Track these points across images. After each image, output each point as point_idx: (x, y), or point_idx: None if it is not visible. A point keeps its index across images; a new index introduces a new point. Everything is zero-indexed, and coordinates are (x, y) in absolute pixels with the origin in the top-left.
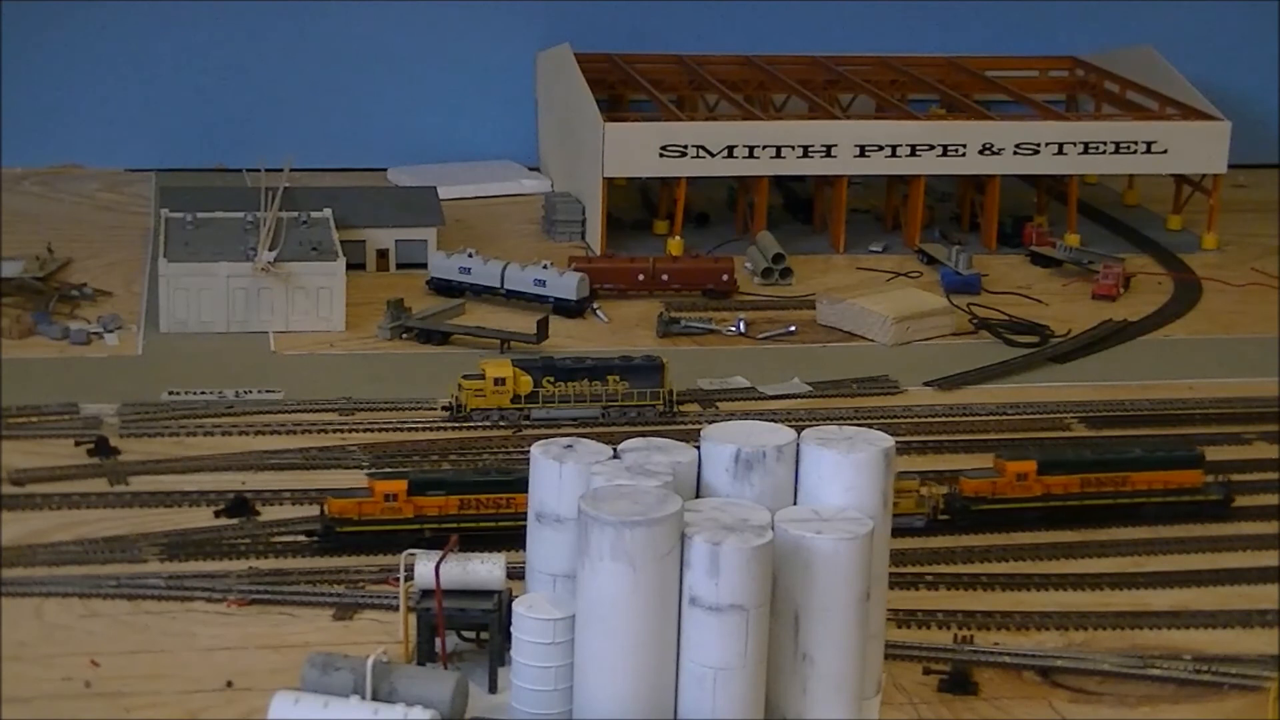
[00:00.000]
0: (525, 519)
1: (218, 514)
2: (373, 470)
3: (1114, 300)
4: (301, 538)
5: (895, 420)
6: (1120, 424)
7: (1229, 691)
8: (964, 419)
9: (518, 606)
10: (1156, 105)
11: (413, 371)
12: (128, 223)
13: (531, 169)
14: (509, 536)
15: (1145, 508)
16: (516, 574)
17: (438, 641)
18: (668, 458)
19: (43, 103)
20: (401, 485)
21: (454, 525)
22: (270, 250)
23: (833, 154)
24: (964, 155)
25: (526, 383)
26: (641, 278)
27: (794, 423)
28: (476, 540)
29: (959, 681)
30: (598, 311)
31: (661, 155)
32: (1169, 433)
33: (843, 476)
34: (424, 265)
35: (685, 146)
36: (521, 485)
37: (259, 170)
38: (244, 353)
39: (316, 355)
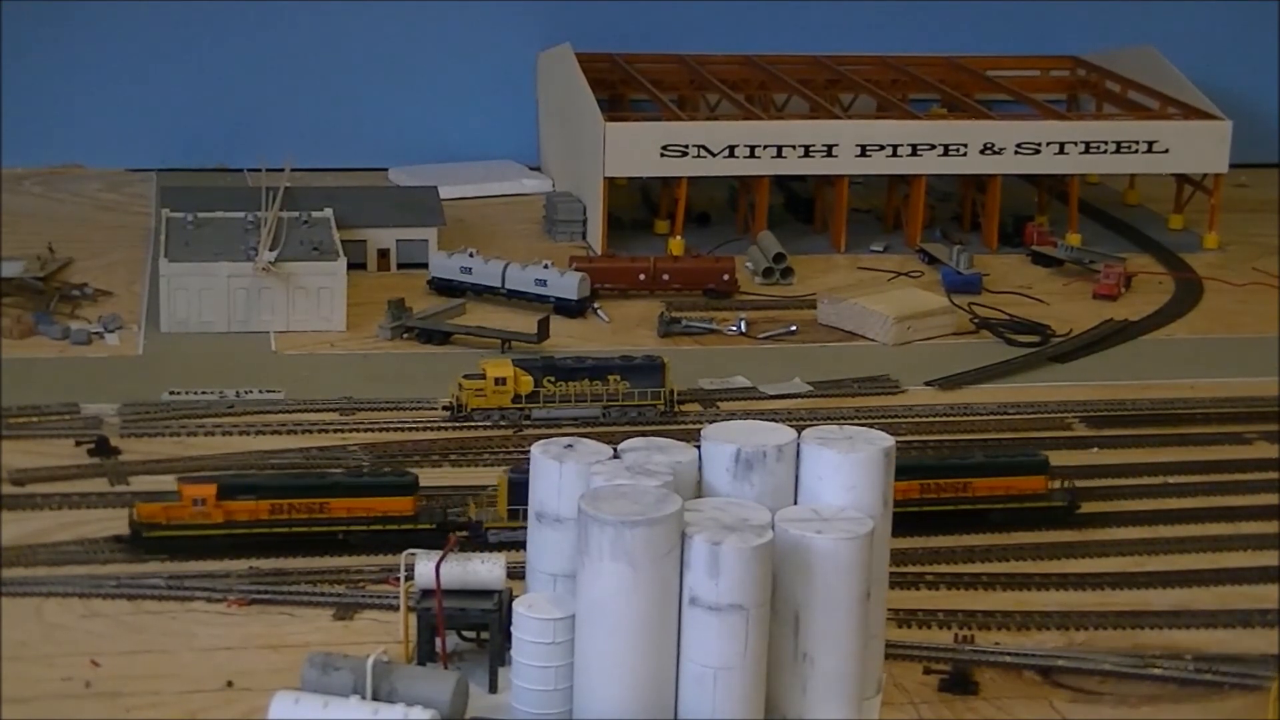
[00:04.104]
0: (339, 525)
1: None
2: (183, 475)
3: (1115, 300)
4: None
5: (896, 420)
6: (1120, 424)
7: (1230, 691)
8: (965, 419)
9: (518, 606)
10: (1157, 105)
11: (413, 371)
12: (129, 223)
13: (532, 169)
14: (324, 542)
15: (989, 514)
16: (516, 574)
17: (438, 641)
18: (668, 457)
19: (44, 103)
20: (210, 490)
21: (265, 530)
22: (271, 250)
23: (834, 154)
24: (965, 155)
25: (527, 382)
26: (642, 277)
27: (794, 422)
28: (291, 545)
29: (959, 681)
30: (598, 311)
31: (662, 155)
32: (1173, 432)
33: (843, 476)
34: (425, 265)
35: (686, 146)
36: (335, 490)
37: (260, 170)
38: (244, 353)
39: (317, 355)
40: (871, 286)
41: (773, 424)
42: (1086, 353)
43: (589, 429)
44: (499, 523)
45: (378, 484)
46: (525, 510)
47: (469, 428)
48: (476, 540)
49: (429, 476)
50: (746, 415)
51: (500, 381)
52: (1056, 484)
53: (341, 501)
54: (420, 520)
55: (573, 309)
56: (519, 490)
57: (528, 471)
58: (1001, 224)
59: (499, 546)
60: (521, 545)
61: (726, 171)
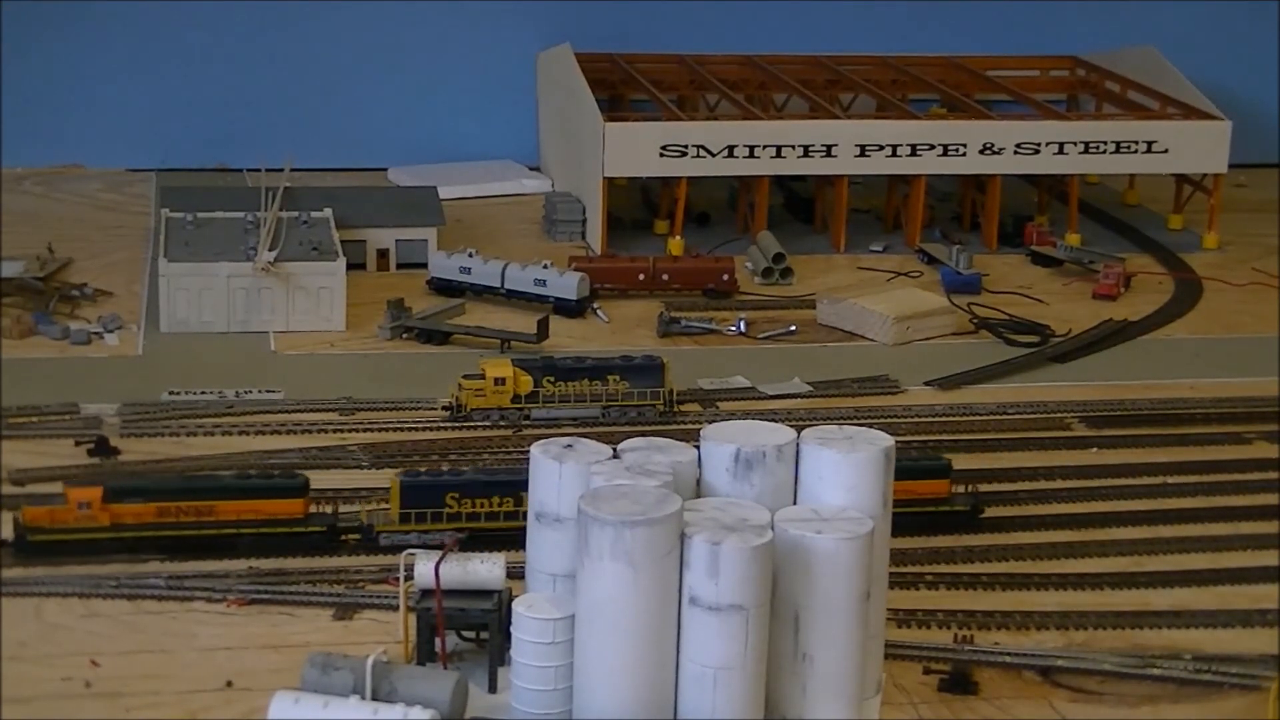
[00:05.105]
0: (228, 527)
1: None
2: (69, 478)
3: (1114, 300)
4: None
5: (895, 420)
6: (1120, 424)
7: (1229, 691)
8: (964, 419)
9: (518, 606)
10: (1157, 105)
11: (413, 371)
12: (128, 223)
13: (532, 169)
14: (212, 544)
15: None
16: (516, 574)
17: (438, 641)
18: (668, 457)
19: (44, 103)
20: (96, 492)
21: (152, 534)
22: (271, 250)
23: (833, 153)
24: (965, 155)
25: (526, 382)
26: (642, 277)
27: (794, 422)
28: (181, 549)
29: (959, 681)
30: (598, 311)
31: (662, 155)
32: (1173, 432)
33: (843, 476)
34: (424, 265)
35: (686, 146)
36: (224, 492)
37: (259, 170)
38: (244, 353)
39: (317, 355)
40: (871, 286)
41: (772, 424)
42: (1086, 353)
43: (589, 429)
44: (390, 526)
45: (267, 486)
46: (416, 514)
47: (469, 428)
48: (367, 543)
49: None
50: (746, 415)
51: (500, 381)
52: (960, 488)
53: (230, 504)
54: (311, 523)
55: (572, 309)
56: (411, 494)
57: (419, 475)
58: (1001, 224)
59: (390, 550)
60: (414, 547)
61: (726, 171)
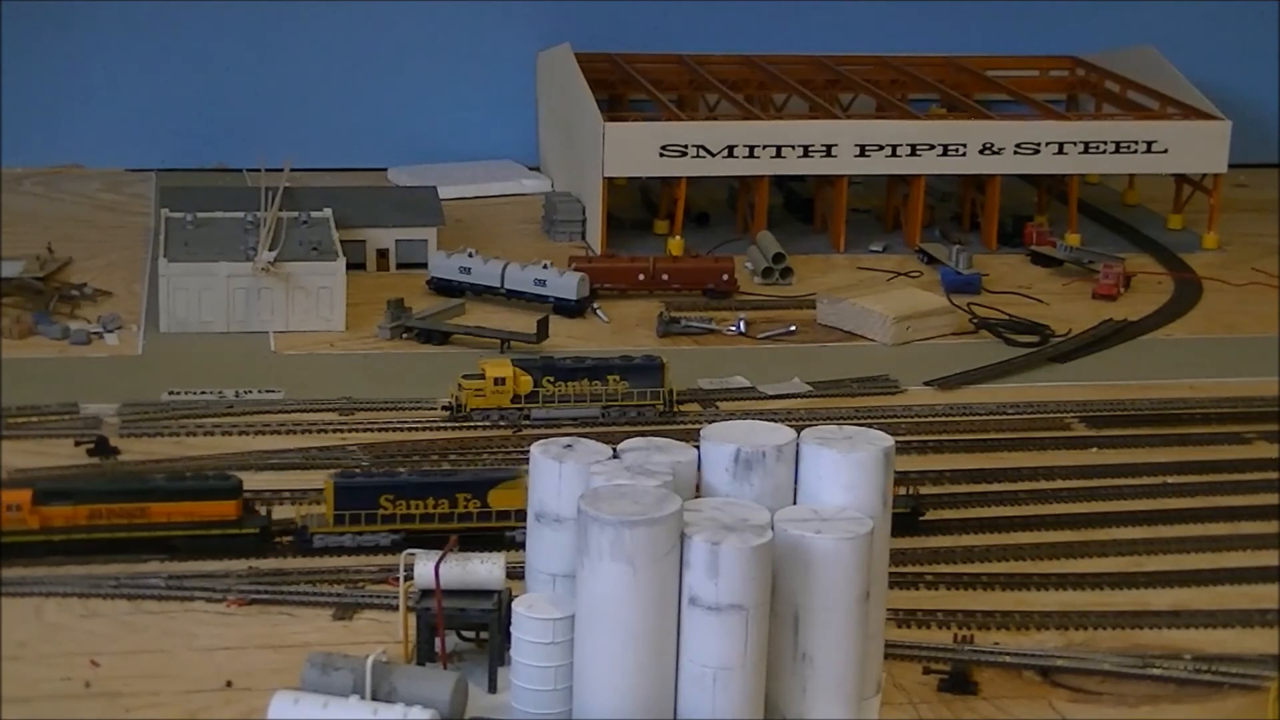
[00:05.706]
0: (160, 530)
1: None
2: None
3: (1114, 300)
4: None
5: (895, 420)
6: (1120, 424)
7: (1229, 691)
8: (964, 419)
9: (517, 606)
10: (1157, 105)
11: (412, 371)
12: (128, 223)
13: (532, 169)
14: (141, 547)
15: None
16: (516, 574)
17: (437, 641)
18: (668, 457)
19: (44, 103)
20: (25, 495)
21: (84, 537)
22: (270, 250)
23: (833, 154)
24: (964, 155)
25: (526, 382)
26: (642, 277)
27: (794, 422)
28: (112, 551)
29: (959, 681)
30: (598, 311)
31: (662, 155)
32: (1173, 432)
33: (842, 476)
34: (424, 265)
35: (685, 146)
36: (155, 494)
37: (259, 170)
38: (244, 353)
39: (316, 355)
40: (871, 286)
41: (772, 424)
42: (1086, 353)
43: (588, 429)
44: (325, 528)
45: (199, 488)
46: (351, 515)
47: (468, 428)
48: (302, 545)
49: None
50: (746, 415)
51: (499, 381)
52: (900, 490)
53: (162, 506)
54: (244, 525)
55: (572, 309)
56: (345, 495)
57: (354, 476)
58: (1001, 224)
59: (324, 552)
60: (347, 550)
61: (726, 171)
